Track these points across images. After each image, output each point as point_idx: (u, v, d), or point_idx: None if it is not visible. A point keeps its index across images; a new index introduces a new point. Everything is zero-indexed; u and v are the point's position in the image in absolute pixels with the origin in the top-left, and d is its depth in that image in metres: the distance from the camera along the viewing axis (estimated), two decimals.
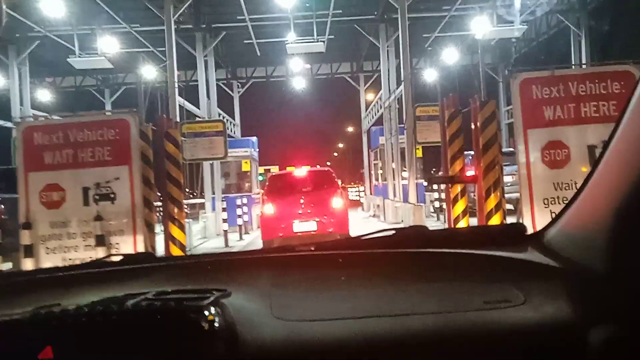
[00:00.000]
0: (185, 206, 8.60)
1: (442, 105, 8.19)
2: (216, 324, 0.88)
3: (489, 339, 0.94)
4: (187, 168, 15.47)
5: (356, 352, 0.92)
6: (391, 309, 1.01)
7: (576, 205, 1.09)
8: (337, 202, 9.29)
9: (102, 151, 5.97)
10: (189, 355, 0.86)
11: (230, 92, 21.15)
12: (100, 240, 5.64)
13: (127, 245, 5.73)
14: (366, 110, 21.40)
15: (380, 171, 18.54)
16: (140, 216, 5.96)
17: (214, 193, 14.51)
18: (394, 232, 1.36)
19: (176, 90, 11.29)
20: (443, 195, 12.80)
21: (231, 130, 19.86)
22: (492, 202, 7.29)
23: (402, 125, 14.10)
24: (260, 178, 20.62)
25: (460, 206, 7.85)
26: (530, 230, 1.32)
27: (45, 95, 19.64)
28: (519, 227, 1.35)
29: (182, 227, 7.72)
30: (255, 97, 23.07)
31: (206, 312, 0.88)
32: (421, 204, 11.74)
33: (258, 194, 16.94)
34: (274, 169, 21.47)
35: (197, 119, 13.83)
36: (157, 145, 7.50)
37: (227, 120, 19.32)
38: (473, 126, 7.65)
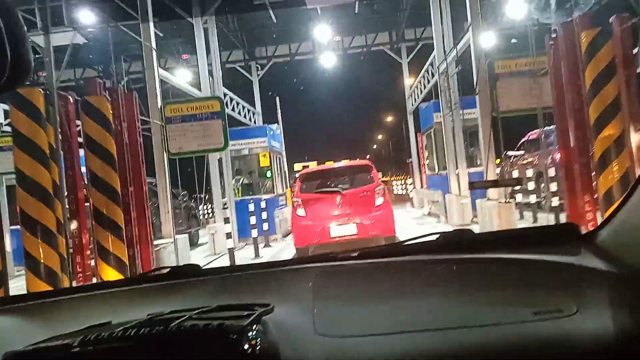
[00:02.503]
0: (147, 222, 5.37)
1: (565, 33, 4.63)
2: (258, 345, 0.85)
3: (540, 352, 0.86)
4: (194, 164, 12.43)
5: None
6: (437, 322, 0.95)
7: (634, 200, 1.03)
8: (379, 200, 7.87)
9: None
10: None
11: (248, 75, 17.93)
12: None
13: None
14: (411, 88, 17.74)
15: (427, 160, 14.98)
16: None
17: (224, 197, 11.30)
18: (437, 236, 1.29)
19: (153, 55, 8.09)
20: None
21: (250, 120, 16.68)
22: None
23: (460, 100, 10.61)
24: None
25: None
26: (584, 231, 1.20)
27: None
28: (571, 227, 1.25)
29: (119, 265, 4.52)
30: (278, 81, 19.79)
31: (249, 333, 0.86)
32: (508, 201, 8.16)
33: (283, 195, 13.68)
34: (313, 165, 18.69)
35: None
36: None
37: (245, 108, 16.14)
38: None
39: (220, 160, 11.39)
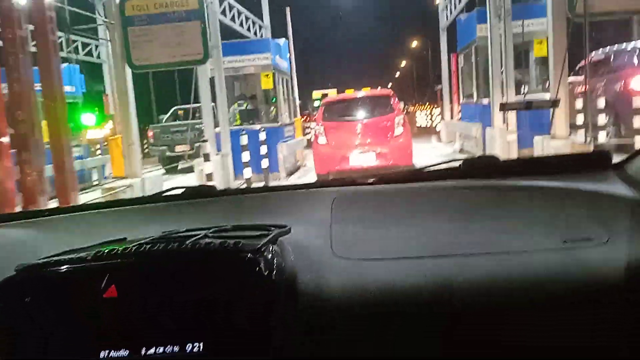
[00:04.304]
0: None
1: None
2: (275, 265, 0.82)
3: (566, 281, 0.82)
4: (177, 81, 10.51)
5: (422, 294, 0.83)
6: (459, 247, 0.91)
7: None
8: (399, 130, 8.00)
9: None
10: (246, 296, 0.79)
11: None
12: None
13: None
14: None
15: (463, 85, 12.68)
16: None
17: (217, 125, 9.34)
18: (460, 162, 1.23)
19: None
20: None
21: (257, 35, 14.32)
22: None
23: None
24: (317, 104, 18.02)
25: None
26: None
27: None
28: (603, 155, 1.17)
29: None
30: None
31: (265, 252, 0.83)
32: (590, 141, 6.08)
33: (291, 124, 11.68)
34: (332, 93, 17.38)
35: None
36: None
37: (249, 20, 13.74)
38: None
39: (212, 80, 9.34)
